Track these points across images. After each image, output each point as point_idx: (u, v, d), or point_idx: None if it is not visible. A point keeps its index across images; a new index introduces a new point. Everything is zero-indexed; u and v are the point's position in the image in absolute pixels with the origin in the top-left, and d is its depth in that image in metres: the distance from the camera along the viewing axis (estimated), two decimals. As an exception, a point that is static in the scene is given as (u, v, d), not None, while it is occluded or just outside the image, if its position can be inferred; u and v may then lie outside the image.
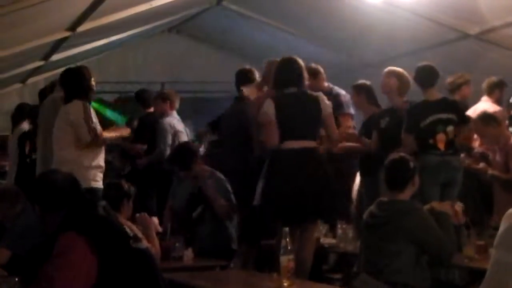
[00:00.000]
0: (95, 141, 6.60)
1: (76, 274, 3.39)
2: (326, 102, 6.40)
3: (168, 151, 8.45)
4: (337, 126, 7.02)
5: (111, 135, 7.05)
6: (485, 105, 8.07)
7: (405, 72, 7.27)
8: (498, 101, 8.21)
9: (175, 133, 8.68)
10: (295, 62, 6.44)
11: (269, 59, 7.07)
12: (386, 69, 7.37)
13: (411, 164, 5.02)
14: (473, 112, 7.82)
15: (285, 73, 6.41)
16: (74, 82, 6.75)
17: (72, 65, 7.64)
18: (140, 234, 5.32)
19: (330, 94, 7.80)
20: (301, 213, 6.10)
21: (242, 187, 6.79)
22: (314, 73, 7.72)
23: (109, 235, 3.56)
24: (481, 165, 7.48)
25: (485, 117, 7.40)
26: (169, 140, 8.60)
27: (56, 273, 3.39)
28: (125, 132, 7.54)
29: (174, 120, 8.81)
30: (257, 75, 7.32)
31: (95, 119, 6.67)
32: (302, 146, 6.19)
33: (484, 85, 8.25)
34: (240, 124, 7.10)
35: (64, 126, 6.62)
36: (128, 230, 3.83)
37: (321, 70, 8.00)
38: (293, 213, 6.08)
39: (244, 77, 7.39)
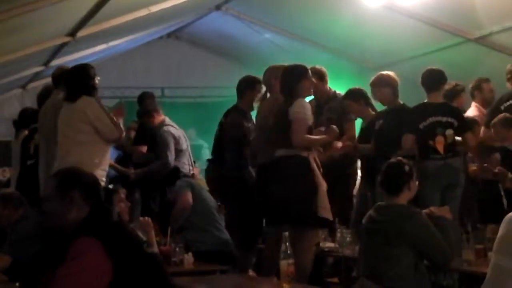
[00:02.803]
0: (121, 137, 6.59)
1: (90, 279, 3.39)
2: (295, 108, 6.23)
3: (172, 160, 8.24)
4: (341, 134, 7.04)
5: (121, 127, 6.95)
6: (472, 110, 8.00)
7: (393, 75, 7.28)
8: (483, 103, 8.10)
9: (176, 141, 8.54)
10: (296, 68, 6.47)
11: (270, 66, 7.09)
12: (375, 81, 7.34)
13: (406, 168, 5.00)
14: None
15: (285, 81, 6.44)
16: (81, 79, 6.63)
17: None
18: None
19: (334, 99, 7.78)
20: (275, 220, 6.23)
21: (240, 194, 6.82)
22: (320, 75, 7.68)
23: (124, 240, 3.57)
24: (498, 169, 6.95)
25: (508, 120, 7.28)
26: (172, 151, 8.30)
27: (71, 277, 3.39)
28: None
29: (171, 128, 8.66)
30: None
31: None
32: (280, 155, 6.26)
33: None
34: (238, 133, 7.14)
35: (81, 125, 6.47)
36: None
37: (326, 73, 7.91)
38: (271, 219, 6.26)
39: (249, 85, 7.38)
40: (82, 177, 3.76)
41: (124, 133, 6.76)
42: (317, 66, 7.67)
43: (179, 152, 8.38)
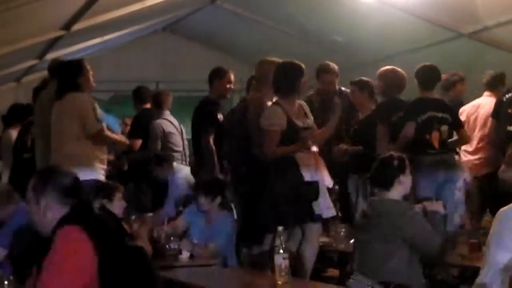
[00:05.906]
0: (100, 134, 6.56)
1: (76, 268, 3.40)
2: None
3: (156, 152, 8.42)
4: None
5: (113, 136, 6.96)
6: (486, 100, 7.99)
7: (393, 70, 7.29)
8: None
9: (166, 135, 8.63)
10: (295, 66, 6.40)
11: (260, 60, 7.03)
12: (388, 74, 7.32)
13: (395, 163, 4.98)
14: (471, 107, 7.93)
15: (285, 78, 6.35)
16: (68, 76, 6.68)
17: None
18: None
19: (340, 94, 7.74)
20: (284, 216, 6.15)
21: (249, 188, 6.81)
22: (326, 70, 7.78)
23: (106, 232, 3.58)
24: None
25: None
26: (159, 144, 8.53)
27: (57, 265, 3.39)
28: (124, 139, 7.43)
29: (164, 122, 8.70)
30: None
31: (99, 114, 6.67)
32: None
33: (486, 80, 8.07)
34: (244, 125, 7.10)
35: (70, 119, 6.54)
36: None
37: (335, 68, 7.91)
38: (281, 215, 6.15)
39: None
40: (55, 180, 3.66)
41: (103, 133, 6.68)
42: (328, 62, 7.73)
43: (169, 147, 8.46)
